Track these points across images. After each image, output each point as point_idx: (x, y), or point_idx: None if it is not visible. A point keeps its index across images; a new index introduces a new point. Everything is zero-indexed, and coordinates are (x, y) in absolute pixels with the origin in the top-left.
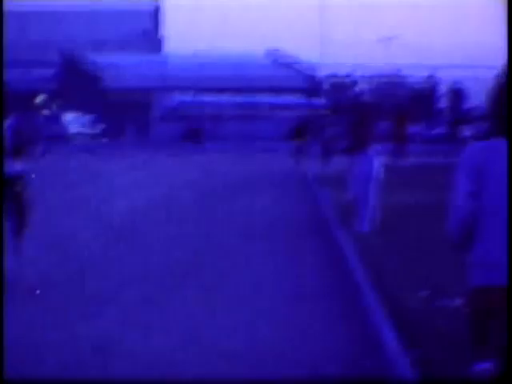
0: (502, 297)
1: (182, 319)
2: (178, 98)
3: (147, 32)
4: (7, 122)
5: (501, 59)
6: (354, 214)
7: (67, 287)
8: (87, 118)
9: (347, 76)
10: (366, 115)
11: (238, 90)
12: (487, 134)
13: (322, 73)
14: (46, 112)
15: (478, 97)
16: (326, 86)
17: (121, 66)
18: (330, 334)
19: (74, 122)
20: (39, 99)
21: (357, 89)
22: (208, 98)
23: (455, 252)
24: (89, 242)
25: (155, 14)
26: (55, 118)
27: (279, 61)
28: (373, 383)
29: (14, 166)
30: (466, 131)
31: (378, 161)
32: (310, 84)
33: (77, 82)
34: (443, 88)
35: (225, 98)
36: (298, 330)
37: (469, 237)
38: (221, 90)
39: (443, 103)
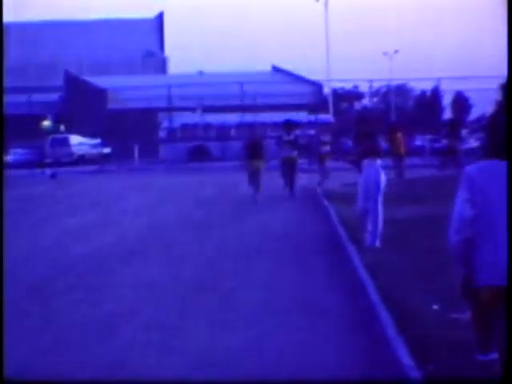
0: (502, 296)
1: None
2: (183, 117)
3: (150, 53)
4: None
5: (502, 70)
6: (363, 228)
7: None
8: (94, 140)
9: (353, 90)
10: (372, 128)
11: (244, 109)
12: (485, 154)
13: (327, 89)
14: (53, 135)
15: (481, 107)
16: (332, 101)
17: (125, 87)
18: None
19: (81, 144)
20: (46, 123)
21: (363, 102)
22: (213, 117)
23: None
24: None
25: (159, 36)
26: (62, 142)
27: (285, 78)
28: (373, 383)
29: None
30: (473, 143)
31: (383, 174)
32: (316, 99)
33: (82, 105)
34: (448, 99)
35: (230, 116)
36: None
37: (469, 243)
38: (226, 109)
39: (448, 115)
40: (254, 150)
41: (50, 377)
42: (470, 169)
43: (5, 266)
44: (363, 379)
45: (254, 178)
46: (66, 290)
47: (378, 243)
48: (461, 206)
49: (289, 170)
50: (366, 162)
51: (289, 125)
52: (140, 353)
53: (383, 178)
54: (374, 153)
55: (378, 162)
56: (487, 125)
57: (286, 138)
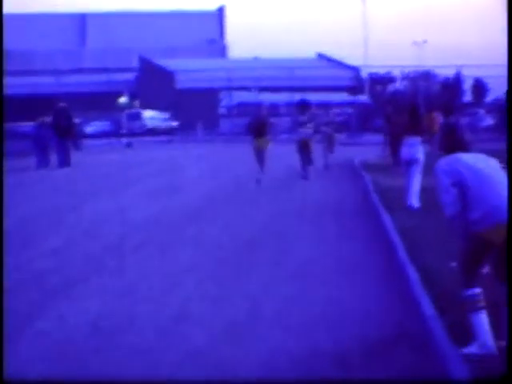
0: (505, 231)
1: None
2: (240, 96)
3: (213, 41)
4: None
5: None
6: (405, 192)
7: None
8: (164, 114)
9: (386, 75)
10: (409, 107)
11: (293, 89)
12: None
13: (365, 73)
14: (129, 110)
15: (497, 91)
16: (368, 84)
17: (191, 70)
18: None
19: (152, 118)
20: (123, 100)
21: (395, 86)
22: (266, 96)
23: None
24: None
25: (220, 26)
26: (137, 116)
27: (328, 63)
28: (373, 383)
29: None
30: (489, 121)
31: (410, 150)
32: (354, 83)
33: (154, 84)
34: (468, 84)
35: (281, 96)
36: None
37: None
38: (278, 89)
39: (468, 97)
40: (259, 129)
41: (50, 377)
42: (447, 161)
43: (6, 261)
44: (363, 379)
45: (259, 156)
46: (138, 246)
47: (414, 204)
48: (446, 189)
49: (304, 150)
50: (405, 136)
51: (303, 105)
52: (200, 304)
53: (409, 154)
54: (406, 130)
55: (409, 139)
56: (446, 129)
57: (300, 118)
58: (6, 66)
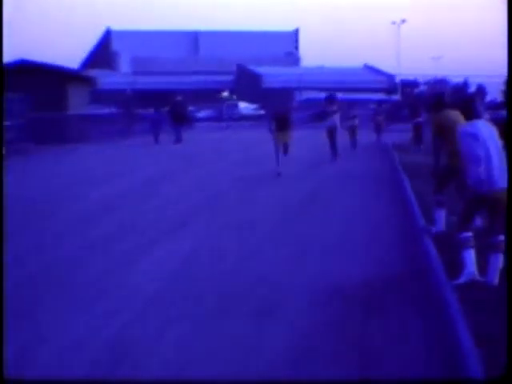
0: (501, 196)
1: None
2: (308, 94)
3: (290, 53)
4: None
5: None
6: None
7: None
8: (253, 106)
9: (413, 80)
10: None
11: (346, 90)
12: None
13: (397, 79)
14: (229, 102)
15: (492, 94)
16: (400, 87)
17: (273, 74)
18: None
19: (245, 108)
20: (225, 94)
21: (419, 89)
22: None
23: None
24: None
25: (295, 42)
26: (234, 106)
27: (372, 71)
28: (373, 383)
29: None
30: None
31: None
32: (390, 86)
33: (247, 83)
34: (472, 88)
35: (337, 94)
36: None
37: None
38: (335, 90)
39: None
40: (281, 123)
41: (50, 377)
42: (471, 124)
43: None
44: (363, 379)
45: (279, 149)
46: (228, 204)
47: None
48: (472, 146)
49: (332, 136)
50: None
51: (330, 100)
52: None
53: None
54: None
55: None
56: (466, 100)
57: (328, 109)
58: (138, 69)
